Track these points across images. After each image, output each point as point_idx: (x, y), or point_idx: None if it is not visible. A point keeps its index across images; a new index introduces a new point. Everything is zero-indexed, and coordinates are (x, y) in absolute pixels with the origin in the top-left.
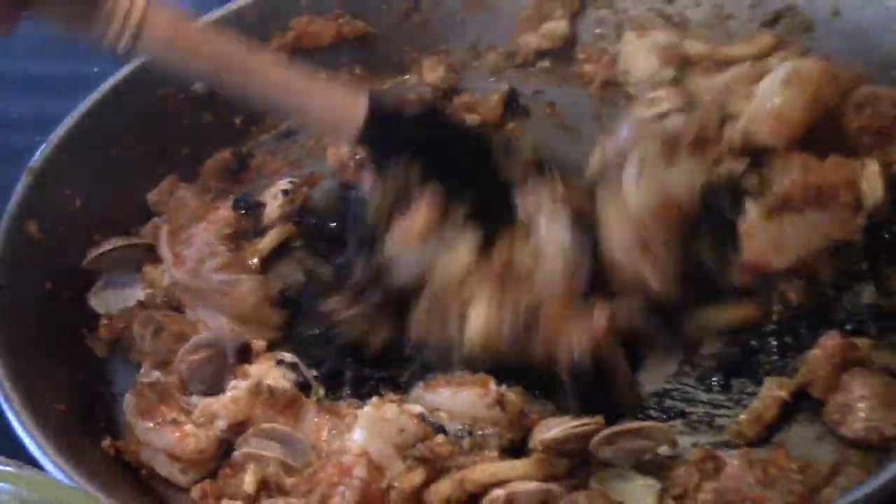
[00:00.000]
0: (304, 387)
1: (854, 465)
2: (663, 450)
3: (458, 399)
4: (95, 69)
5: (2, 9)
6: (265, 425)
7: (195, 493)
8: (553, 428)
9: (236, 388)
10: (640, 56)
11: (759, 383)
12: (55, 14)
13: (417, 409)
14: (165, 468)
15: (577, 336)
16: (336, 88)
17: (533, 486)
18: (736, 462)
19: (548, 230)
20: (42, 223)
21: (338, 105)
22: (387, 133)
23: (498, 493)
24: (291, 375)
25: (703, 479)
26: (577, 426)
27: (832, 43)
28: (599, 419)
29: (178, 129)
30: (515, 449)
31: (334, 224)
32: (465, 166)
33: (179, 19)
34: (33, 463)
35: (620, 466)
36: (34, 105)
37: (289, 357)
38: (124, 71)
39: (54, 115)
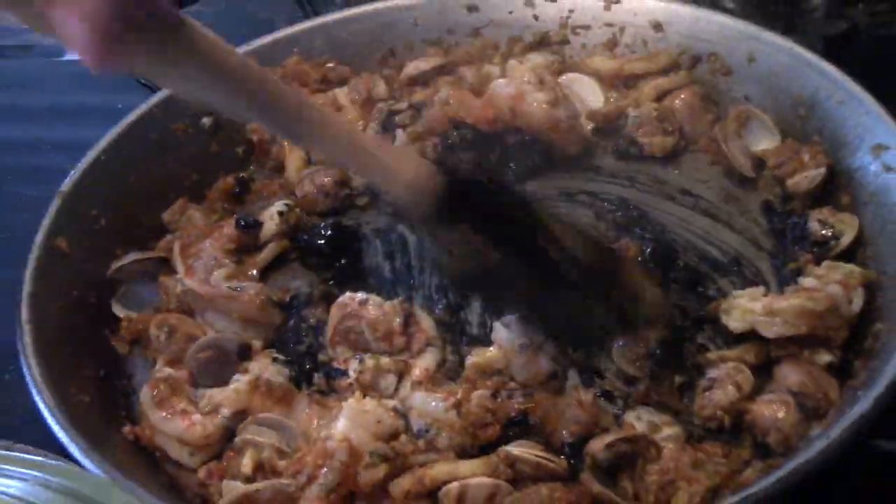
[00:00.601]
0: (297, 381)
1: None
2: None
3: (427, 400)
4: (119, 105)
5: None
6: (262, 414)
7: (202, 473)
8: (521, 447)
9: (238, 382)
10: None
11: None
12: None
13: (392, 403)
14: (176, 451)
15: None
16: (397, 151)
17: (485, 480)
18: (672, 446)
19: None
20: (70, 239)
21: (397, 172)
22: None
23: (452, 485)
24: (285, 370)
25: (647, 463)
26: (542, 457)
27: (748, 85)
28: (563, 463)
29: (188, 158)
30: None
31: (322, 242)
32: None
33: (247, 63)
34: (61, 448)
35: (603, 466)
36: (70, 131)
37: (283, 356)
38: (143, 107)
39: (85, 141)
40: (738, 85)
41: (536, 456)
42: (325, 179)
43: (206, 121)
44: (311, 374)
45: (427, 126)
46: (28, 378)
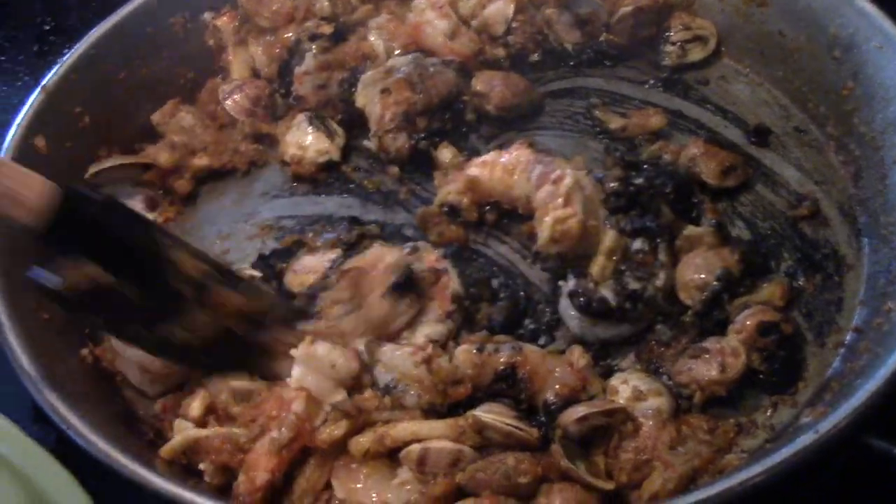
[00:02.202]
0: None
1: (761, 427)
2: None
3: (396, 353)
4: None
5: None
6: None
7: (157, 406)
8: (492, 413)
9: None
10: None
11: None
12: None
13: (359, 345)
14: (136, 378)
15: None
16: (14, 172)
17: (448, 445)
18: (651, 422)
19: None
20: (50, 138)
21: (15, 194)
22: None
23: (414, 447)
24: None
25: (623, 440)
26: (513, 426)
27: (784, 20)
28: (535, 432)
29: (184, 55)
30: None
31: None
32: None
33: None
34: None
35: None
36: None
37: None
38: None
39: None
40: (773, 18)
41: (507, 424)
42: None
43: (206, 16)
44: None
45: (337, 58)
46: None
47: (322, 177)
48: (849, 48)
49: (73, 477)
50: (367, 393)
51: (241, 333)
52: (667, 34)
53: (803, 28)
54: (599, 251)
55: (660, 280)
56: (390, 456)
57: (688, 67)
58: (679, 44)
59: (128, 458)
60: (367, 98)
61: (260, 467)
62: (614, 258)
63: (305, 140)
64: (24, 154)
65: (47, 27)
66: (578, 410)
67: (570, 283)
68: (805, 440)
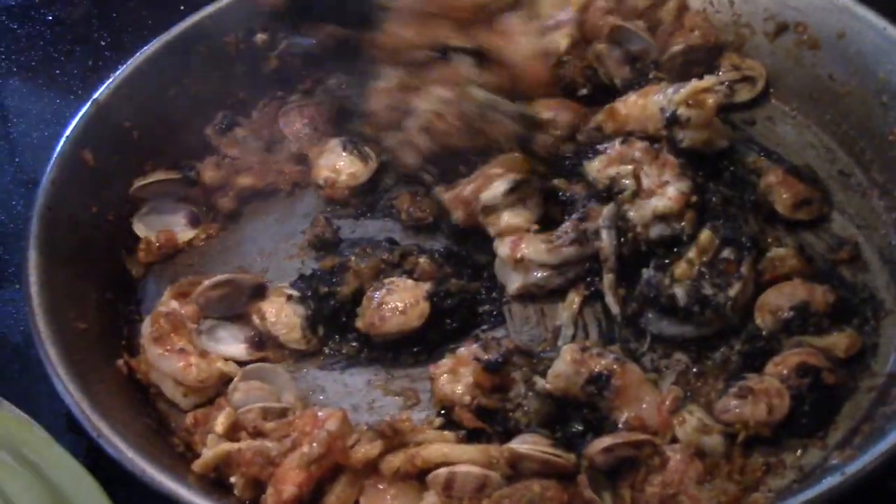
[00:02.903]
0: (313, 323)
1: (789, 467)
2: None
3: None
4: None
5: None
6: (252, 366)
7: (189, 419)
8: (527, 444)
9: None
10: None
11: None
12: None
13: None
14: (170, 390)
15: None
16: None
17: (475, 470)
18: (678, 457)
19: None
20: (98, 151)
21: None
22: None
23: (441, 470)
24: (301, 310)
25: (650, 473)
26: (550, 453)
27: (834, 63)
28: (573, 458)
29: (236, 75)
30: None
31: None
32: None
33: None
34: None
35: (603, 469)
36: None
37: (297, 293)
38: (194, 16)
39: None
40: (823, 61)
41: (544, 452)
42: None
43: (260, 36)
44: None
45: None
46: (26, 300)
47: (356, 201)
48: None
49: (101, 487)
50: (403, 415)
51: None
52: (716, 73)
53: (853, 72)
54: (690, 249)
55: (733, 290)
56: (419, 478)
57: (734, 107)
58: (727, 83)
59: (157, 469)
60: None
61: (288, 481)
62: (703, 258)
63: (339, 163)
64: (71, 166)
65: (103, 43)
66: (604, 441)
67: (647, 272)
68: (831, 482)
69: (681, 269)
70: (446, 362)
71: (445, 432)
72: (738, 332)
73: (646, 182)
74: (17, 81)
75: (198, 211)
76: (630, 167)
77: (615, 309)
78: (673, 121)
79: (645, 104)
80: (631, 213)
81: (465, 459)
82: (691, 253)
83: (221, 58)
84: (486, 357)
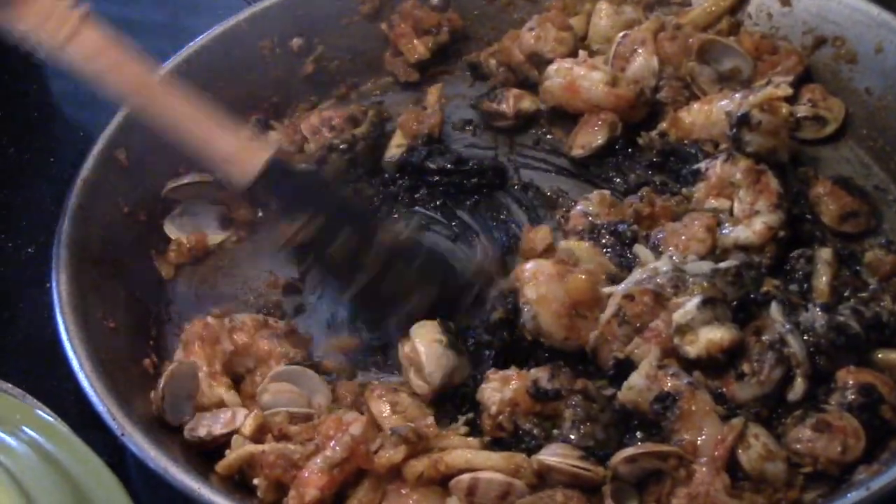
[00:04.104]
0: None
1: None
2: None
3: None
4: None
5: None
6: (280, 368)
7: None
8: (556, 456)
9: None
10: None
11: None
12: None
13: None
14: None
15: None
16: (238, 139)
17: (498, 477)
18: (705, 469)
19: None
20: (131, 152)
21: (235, 157)
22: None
23: (464, 476)
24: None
25: (676, 486)
26: (579, 467)
27: (872, 77)
28: (601, 471)
29: (271, 79)
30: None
31: None
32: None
33: (109, 40)
34: (72, 374)
35: (628, 481)
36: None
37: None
38: (230, 20)
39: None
40: (861, 75)
41: (572, 466)
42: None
43: (296, 41)
44: None
45: None
46: (54, 298)
47: None
48: None
49: (122, 485)
50: (429, 420)
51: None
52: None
53: (890, 87)
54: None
55: (888, 303)
56: (442, 484)
57: None
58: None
59: (180, 468)
60: None
61: (311, 484)
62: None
63: None
64: (105, 166)
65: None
66: (628, 451)
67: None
68: (856, 496)
69: (821, 287)
70: (507, 373)
71: (470, 439)
72: None
73: (737, 208)
74: (58, 83)
75: (229, 213)
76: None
77: None
78: (744, 121)
79: (710, 110)
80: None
81: (488, 466)
82: (822, 279)
83: (256, 61)
84: (543, 386)
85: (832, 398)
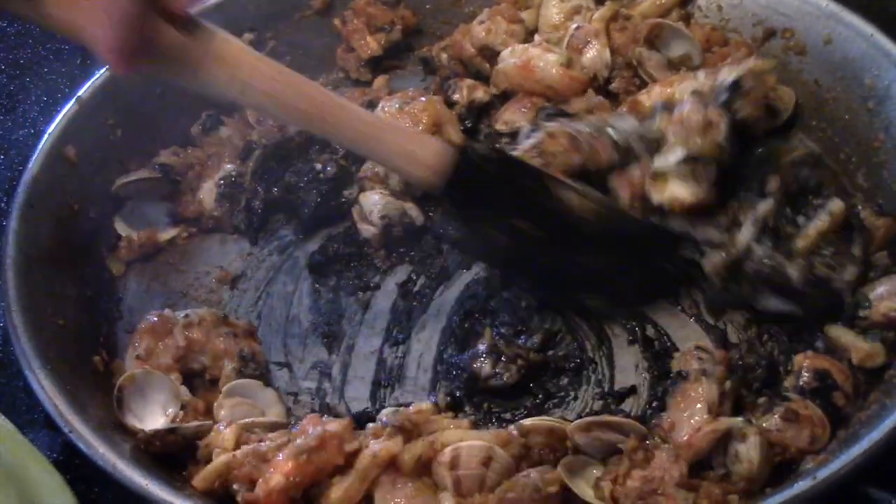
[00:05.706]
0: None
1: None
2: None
3: None
4: None
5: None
6: (233, 382)
7: None
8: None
9: None
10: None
11: None
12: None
13: None
14: None
15: None
16: (416, 139)
17: (477, 443)
18: (664, 455)
19: None
20: (80, 148)
21: (417, 157)
22: (470, 191)
23: (445, 451)
24: None
25: (633, 468)
26: (553, 420)
27: (820, 69)
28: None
29: None
30: None
31: None
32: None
33: (277, 70)
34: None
35: (591, 455)
36: None
37: None
38: None
39: None
40: (810, 66)
41: (547, 420)
42: None
43: (247, 36)
44: None
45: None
46: (4, 294)
47: None
48: (883, 100)
49: (65, 482)
50: (423, 405)
51: None
52: None
53: (839, 79)
54: (809, 226)
55: (848, 274)
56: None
57: None
58: None
59: (128, 465)
60: None
61: (276, 469)
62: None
63: None
64: (53, 162)
65: None
66: (585, 420)
67: (763, 250)
68: (802, 486)
69: (803, 242)
70: None
71: (459, 419)
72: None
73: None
74: (4, 78)
75: (178, 209)
76: None
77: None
78: (735, 87)
79: (673, 93)
80: None
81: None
82: (812, 229)
83: None
84: None
85: (787, 381)
